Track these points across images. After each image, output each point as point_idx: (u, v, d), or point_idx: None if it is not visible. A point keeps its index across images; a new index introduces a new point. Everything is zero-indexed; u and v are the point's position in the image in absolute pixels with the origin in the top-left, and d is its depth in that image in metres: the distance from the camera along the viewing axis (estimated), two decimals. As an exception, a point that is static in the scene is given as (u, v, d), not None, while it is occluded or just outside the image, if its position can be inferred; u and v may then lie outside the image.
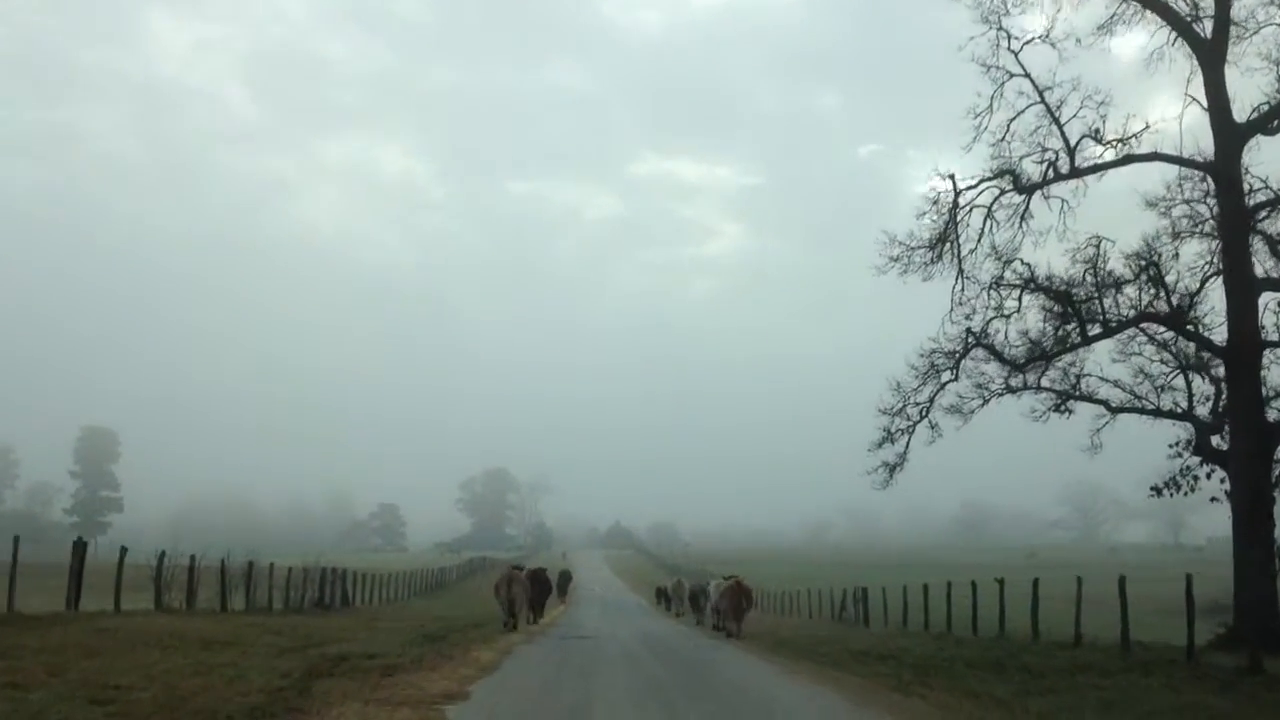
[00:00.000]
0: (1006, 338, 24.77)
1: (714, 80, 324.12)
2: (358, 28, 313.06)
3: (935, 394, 24.89)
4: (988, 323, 24.67)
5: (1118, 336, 25.78)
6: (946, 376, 24.82)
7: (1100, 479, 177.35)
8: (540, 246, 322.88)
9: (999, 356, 24.67)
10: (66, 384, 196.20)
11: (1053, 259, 25.37)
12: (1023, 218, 25.14)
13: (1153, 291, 23.60)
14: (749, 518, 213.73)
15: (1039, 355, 24.56)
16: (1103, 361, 26.94)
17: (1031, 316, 25.23)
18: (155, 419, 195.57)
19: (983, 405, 26.67)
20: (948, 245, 24.50)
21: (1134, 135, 23.30)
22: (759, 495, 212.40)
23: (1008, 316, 24.61)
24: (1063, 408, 26.94)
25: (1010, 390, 26.55)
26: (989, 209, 24.81)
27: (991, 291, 24.23)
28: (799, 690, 14.71)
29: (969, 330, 24.39)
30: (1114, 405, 26.36)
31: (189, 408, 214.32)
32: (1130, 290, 24.54)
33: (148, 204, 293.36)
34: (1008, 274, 24.13)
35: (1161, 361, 26.27)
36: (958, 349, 24.59)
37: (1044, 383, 26.66)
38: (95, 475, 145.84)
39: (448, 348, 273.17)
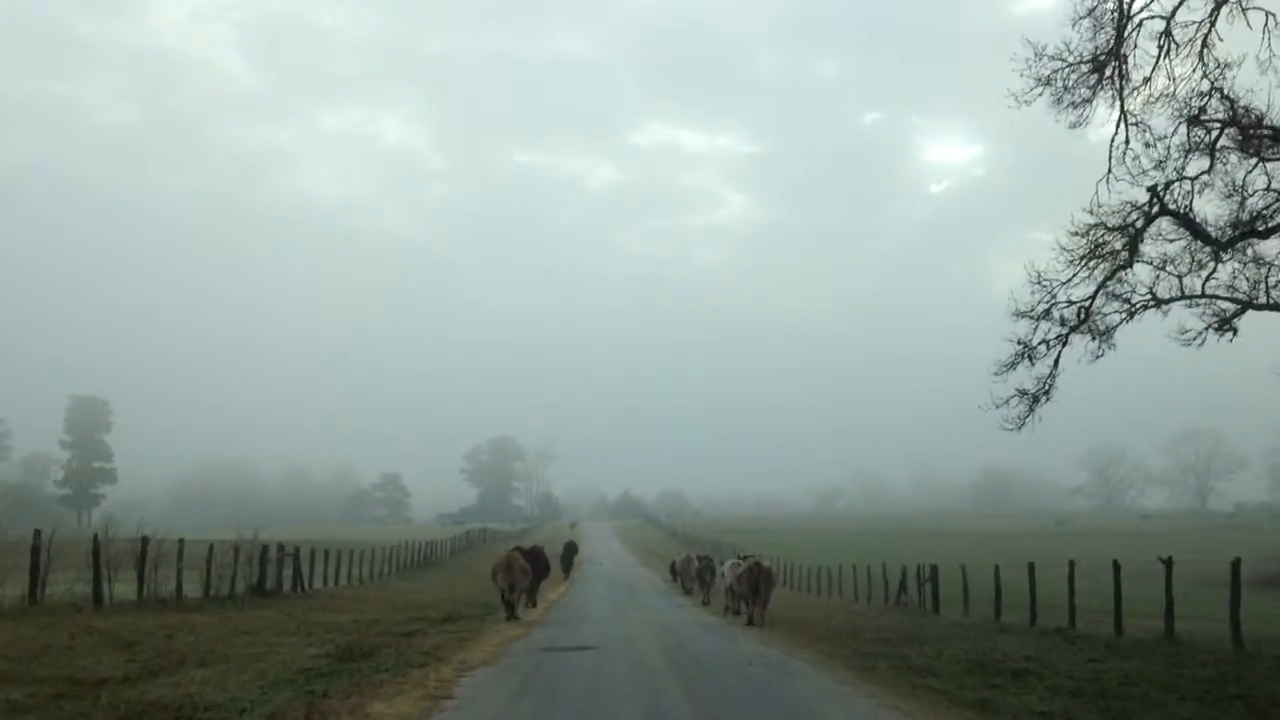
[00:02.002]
0: (1192, 207, 16.48)
1: (715, 48, 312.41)
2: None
3: (1108, 280, 16.58)
4: (1167, 186, 16.39)
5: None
6: (1121, 259, 16.49)
7: (1122, 444, 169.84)
8: (543, 216, 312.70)
9: (1194, 229, 16.36)
10: (63, 355, 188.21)
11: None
12: (1205, 41, 16.83)
13: None
14: (757, 485, 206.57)
15: (1247, 232, 16.25)
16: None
17: (1218, 184, 16.92)
18: (154, 390, 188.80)
19: (1125, 321, 18.49)
20: (1111, 71, 16.20)
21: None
22: (767, 463, 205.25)
23: (1194, 179, 16.33)
24: (1228, 325, 18.74)
25: (1157, 303, 18.40)
26: (1167, 23, 16.51)
27: (1191, 129, 15.86)
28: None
29: (1153, 190, 16.07)
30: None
31: (189, 378, 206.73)
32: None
33: (148, 175, 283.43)
34: (1209, 107, 15.75)
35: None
36: (1135, 221, 16.28)
37: (1208, 289, 18.54)
38: (87, 445, 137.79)
39: (451, 317, 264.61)
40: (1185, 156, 16.40)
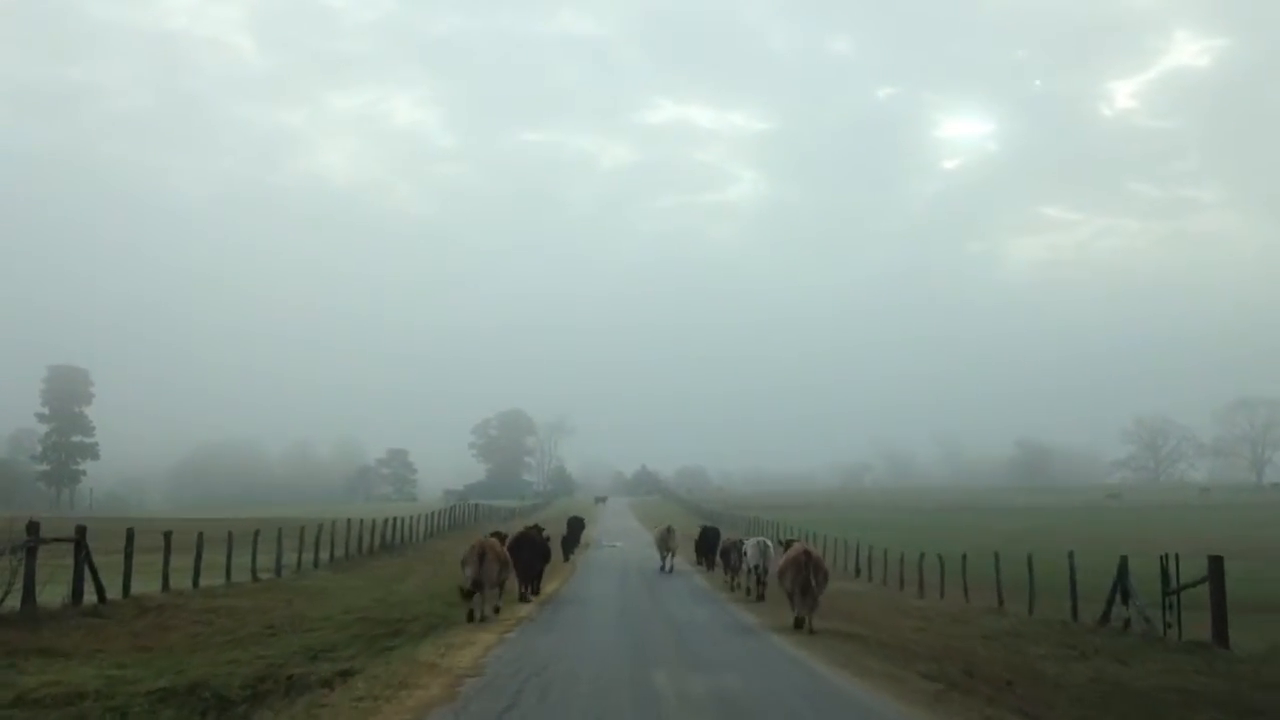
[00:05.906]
0: None
1: (727, 25, 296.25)
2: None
3: None
4: None
5: None
6: None
7: (1169, 413, 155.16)
8: (556, 194, 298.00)
9: None
10: (60, 334, 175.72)
11: None
12: None
13: None
14: (776, 463, 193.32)
15: None
16: None
17: None
18: (160, 368, 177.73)
19: None
20: None
21: None
22: (787, 438, 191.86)
23: None
24: None
25: None
26: None
27: None
28: None
29: None
30: None
31: (198, 355, 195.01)
32: None
33: (159, 158, 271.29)
34: None
35: None
36: None
37: None
38: (65, 418, 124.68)
39: (464, 295, 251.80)
40: None
